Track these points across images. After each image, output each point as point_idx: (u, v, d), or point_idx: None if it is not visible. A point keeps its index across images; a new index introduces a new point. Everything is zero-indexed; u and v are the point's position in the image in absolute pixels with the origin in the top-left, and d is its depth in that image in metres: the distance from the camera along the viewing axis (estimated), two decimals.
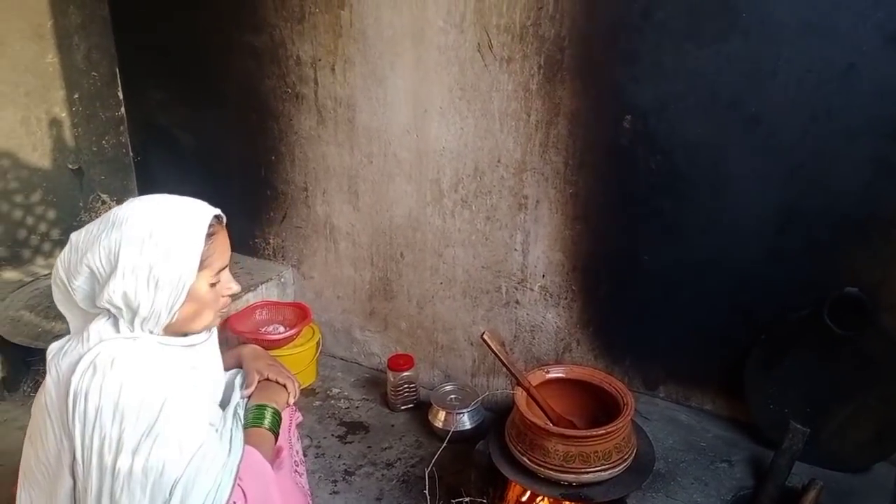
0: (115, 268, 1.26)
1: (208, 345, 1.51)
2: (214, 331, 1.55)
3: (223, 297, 1.42)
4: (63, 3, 2.79)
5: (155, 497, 1.23)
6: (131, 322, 1.31)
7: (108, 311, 1.31)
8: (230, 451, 1.35)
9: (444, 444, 1.99)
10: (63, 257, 1.33)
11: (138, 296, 1.28)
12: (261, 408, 1.57)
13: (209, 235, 1.34)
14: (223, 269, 1.40)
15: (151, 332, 1.34)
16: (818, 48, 1.67)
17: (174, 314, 1.32)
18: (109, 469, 1.22)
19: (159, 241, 1.28)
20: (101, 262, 1.28)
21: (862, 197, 1.72)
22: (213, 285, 1.38)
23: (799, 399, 1.85)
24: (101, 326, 1.31)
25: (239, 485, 1.32)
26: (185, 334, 1.41)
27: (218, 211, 1.40)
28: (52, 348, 1.35)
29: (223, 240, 1.39)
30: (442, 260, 2.44)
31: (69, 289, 1.32)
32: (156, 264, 1.27)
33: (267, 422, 1.55)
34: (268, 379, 1.64)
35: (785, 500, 1.69)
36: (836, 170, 1.74)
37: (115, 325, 1.32)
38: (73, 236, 1.33)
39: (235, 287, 1.45)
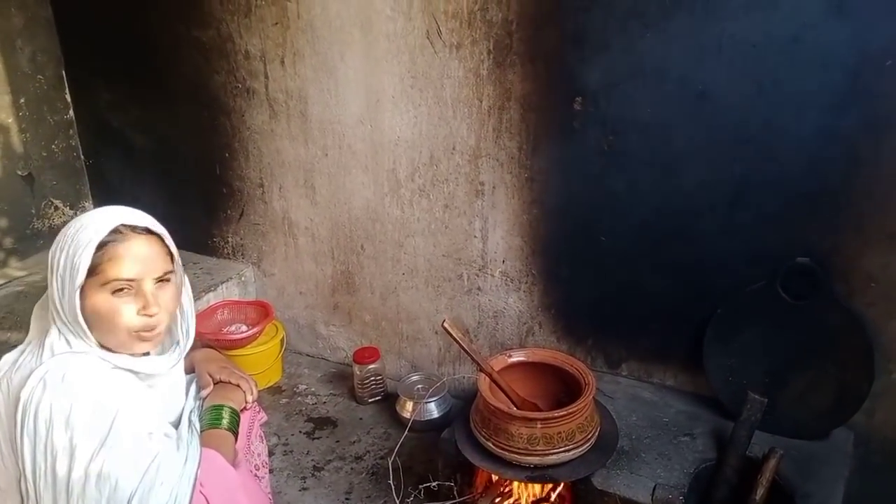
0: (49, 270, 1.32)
1: (172, 374, 1.49)
2: (181, 364, 1.52)
3: (138, 315, 1.32)
4: (3, 5, 2.71)
5: None
6: (78, 334, 1.31)
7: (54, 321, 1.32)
8: (186, 459, 1.33)
9: (406, 433, 1.99)
10: None
11: (55, 295, 1.30)
12: (217, 408, 1.54)
13: (105, 242, 1.28)
14: (121, 280, 1.29)
15: (102, 346, 1.33)
16: (761, 22, 1.68)
17: (81, 319, 1.29)
18: (63, 485, 1.20)
19: (66, 244, 1.30)
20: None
21: (809, 168, 1.74)
22: (115, 293, 1.29)
23: (757, 370, 1.87)
24: (54, 341, 1.30)
25: (200, 491, 1.30)
26: (145, 352, 1.41)
27: (130, 220, 1.33)
28: (5, 362, 1.32)
29: (128, 250, 1.30)
30: (403, 250, 2.42)
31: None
32: (61, 264, 1.29)
33: (225, 422, 1.52)
34: (221, 381, 1.62)
35: (747, 469, 1.71)
36: (784, 142, 1.75)
37: (68, 341, 1.31)
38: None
39: (152, 309, 1.31)
